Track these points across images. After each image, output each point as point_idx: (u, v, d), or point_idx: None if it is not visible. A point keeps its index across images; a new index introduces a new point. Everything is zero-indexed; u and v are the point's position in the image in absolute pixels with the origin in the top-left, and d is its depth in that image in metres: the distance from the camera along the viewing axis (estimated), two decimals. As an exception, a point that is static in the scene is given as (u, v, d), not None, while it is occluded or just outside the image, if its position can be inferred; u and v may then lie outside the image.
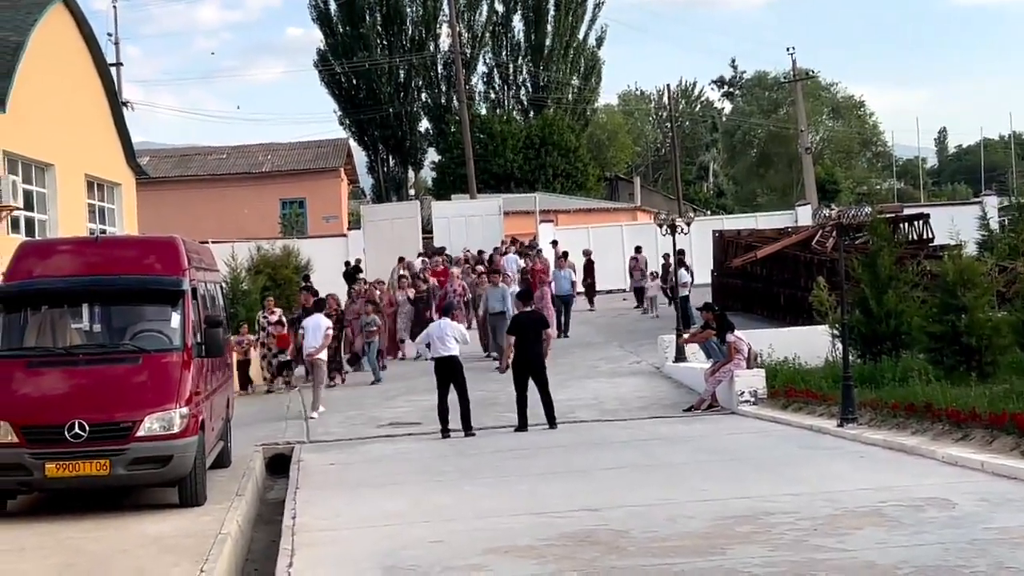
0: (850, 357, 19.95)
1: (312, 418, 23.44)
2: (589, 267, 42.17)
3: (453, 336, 20.88)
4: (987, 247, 32.45)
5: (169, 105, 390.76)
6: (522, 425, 21.05)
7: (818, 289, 24.59)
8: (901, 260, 24.68)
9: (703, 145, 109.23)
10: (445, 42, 76.79)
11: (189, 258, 15.86)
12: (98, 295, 15.48)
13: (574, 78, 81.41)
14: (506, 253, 40.53)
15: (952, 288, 21.04)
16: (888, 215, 29.45)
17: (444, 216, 49.97)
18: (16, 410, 14.02)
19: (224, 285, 24.65)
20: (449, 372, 20.81)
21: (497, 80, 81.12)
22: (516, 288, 28.96)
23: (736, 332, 23.05)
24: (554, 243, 44.30)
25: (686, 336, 26.41)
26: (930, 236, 33.45)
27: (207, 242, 29.03)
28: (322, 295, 28.43)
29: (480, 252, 41.28)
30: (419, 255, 43.22)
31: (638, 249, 42.31)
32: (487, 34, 79.67)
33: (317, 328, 24.74)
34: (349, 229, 54.80)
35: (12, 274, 15.36)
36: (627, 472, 16.15)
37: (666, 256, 36.83)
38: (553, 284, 34.51)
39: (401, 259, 39.11)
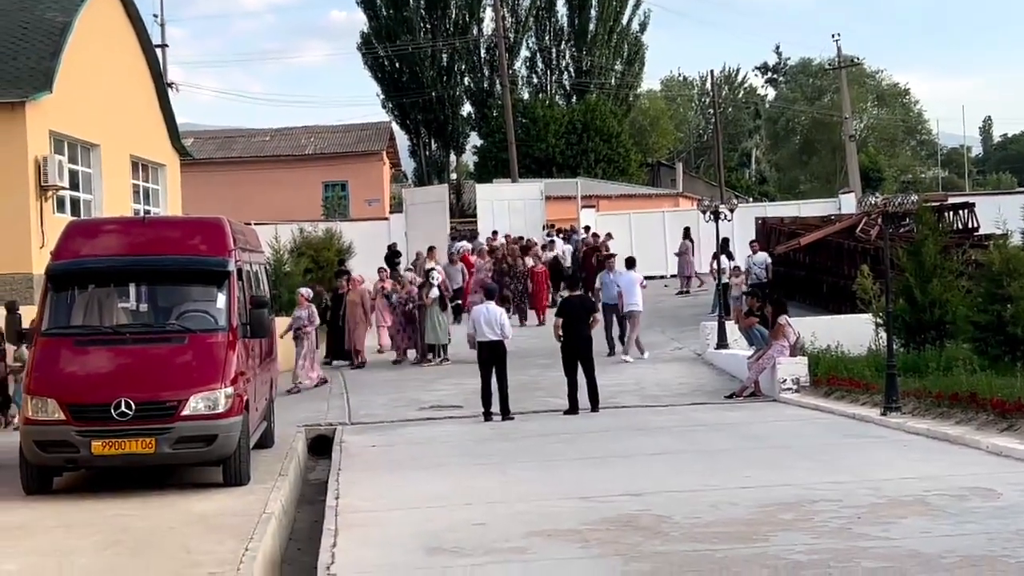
0: (894, 346, 19.84)
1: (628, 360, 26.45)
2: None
3: (499, 323, 20.86)
4: (1033, 237, 32.13)
5: (213, 87, 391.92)
6: (573, 408, 21.11)
7: (862, 277, 24.44)
8: (946, 249, 24.48)
9: (746, 132, 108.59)
10: (488, 26, 76.59)
11: (235, 239, 15.92)
12: (145, 275, 15.59)
13: (617, 63, 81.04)
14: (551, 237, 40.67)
15: (998, 277, 20.87)
16: (933, 204, 29.24)
17: (487, 199, 49.67)
18: (63, 388, 14.16)
19: (268, 267, 24.77)
20: (494, 356, 20.81)
21: (540, 65, 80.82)
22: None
23: (786, 318, 22.95)
24: (586, 228, 44.14)
25: (735, 316, 26.29)
26: (975, 225, 33.20)
27: (250, 223, 29.14)
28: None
29: (520, 238, 41.08)
30: (456, 239, 43.17)
31: (687, 234, 42.02)
32: (531, 18, 79.38)
33: (632, 284, 27.59)
34: (391, 212, 54.88)
35: (60, 253, 15.44)
36: (669, 458, 16.15)
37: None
38: (601, 291, 29.12)
39: (431, 249, 37.67)
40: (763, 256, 34.67)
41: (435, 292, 28.09)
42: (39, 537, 12.12)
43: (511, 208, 47.47)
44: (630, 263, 29.50)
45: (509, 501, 13.32)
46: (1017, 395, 16.42)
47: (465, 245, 40.35)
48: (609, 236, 42.10)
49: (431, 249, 36.56)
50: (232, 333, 14.90)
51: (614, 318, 28.25)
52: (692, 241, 41.68)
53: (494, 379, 20.79)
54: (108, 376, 14.36)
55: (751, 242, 36.01)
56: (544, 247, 39.51)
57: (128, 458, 14.03)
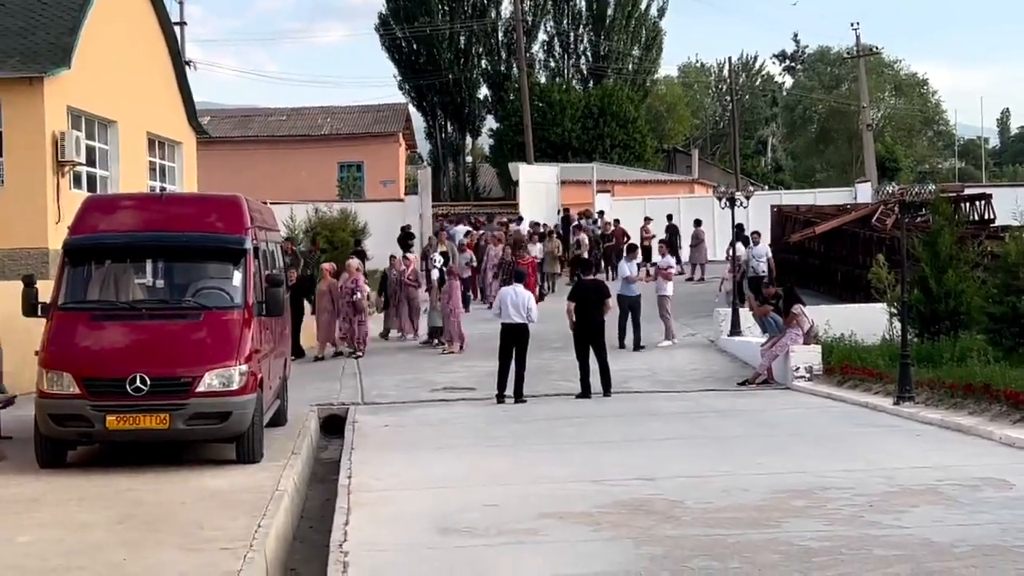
0: (908, 336, 19.82)
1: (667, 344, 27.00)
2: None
3: (526, 306, 20.86)
4: (1049, 229, 32.01)
5: (231, 66, 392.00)
6: (585, 392, 21.12)
7: (877, 267, 24.39)
8: (962, 240, 24.43)
9: (762, 119, 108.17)
10: (507, 9, 76.51)
11: (252, 217, 15.92)
12: (162, 251, 15.64)
13: (635, 48, 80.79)
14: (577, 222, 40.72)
15: (1013, 269, 20.84)
16: (950, 194, 29.16)
17: (530, 181, 49.06)
18: (79, 362, 14.20)
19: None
20: (516, 339, 20.80)
21: (557, 49, 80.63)
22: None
23: (800, 307, 22.92)
24: (600, 213, 44.13)
25: (751, 305, 26.25)
26: (992, 216, 33.10)
27: (266, 202, 29.14)
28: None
29: (537, 224, 40.92)
30: (454, 223, 43.10)
31: (697, 222, 42.14)
32: (549, 2, 79.14)
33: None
34: (406, 194, 54.87)
35: (77, 228, 15.47)
36: (682, 443, 16.17)
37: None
38: (620, 282, 28.00)
39: (440, 231, 37.69)
40: (763, 248, 34.27)
41: (435, 274, 28.19)
42: (52, 510, 12.17)
43: (536, 191, 47.47)
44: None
45: (521, 483, 13.35)
46: (1031, 387, 16.40)
47: (467, 230, 40.19)
48: (648, 220, 42.23)
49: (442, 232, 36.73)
50: (248, 311, 14.93)
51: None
52: (679, 229, 42.77)
53: (513, 362, 20.79)
54: (123, 351, 14.38)
55: (752, 233, 35.03)
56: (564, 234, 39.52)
57: (142, 433, 14.07)
